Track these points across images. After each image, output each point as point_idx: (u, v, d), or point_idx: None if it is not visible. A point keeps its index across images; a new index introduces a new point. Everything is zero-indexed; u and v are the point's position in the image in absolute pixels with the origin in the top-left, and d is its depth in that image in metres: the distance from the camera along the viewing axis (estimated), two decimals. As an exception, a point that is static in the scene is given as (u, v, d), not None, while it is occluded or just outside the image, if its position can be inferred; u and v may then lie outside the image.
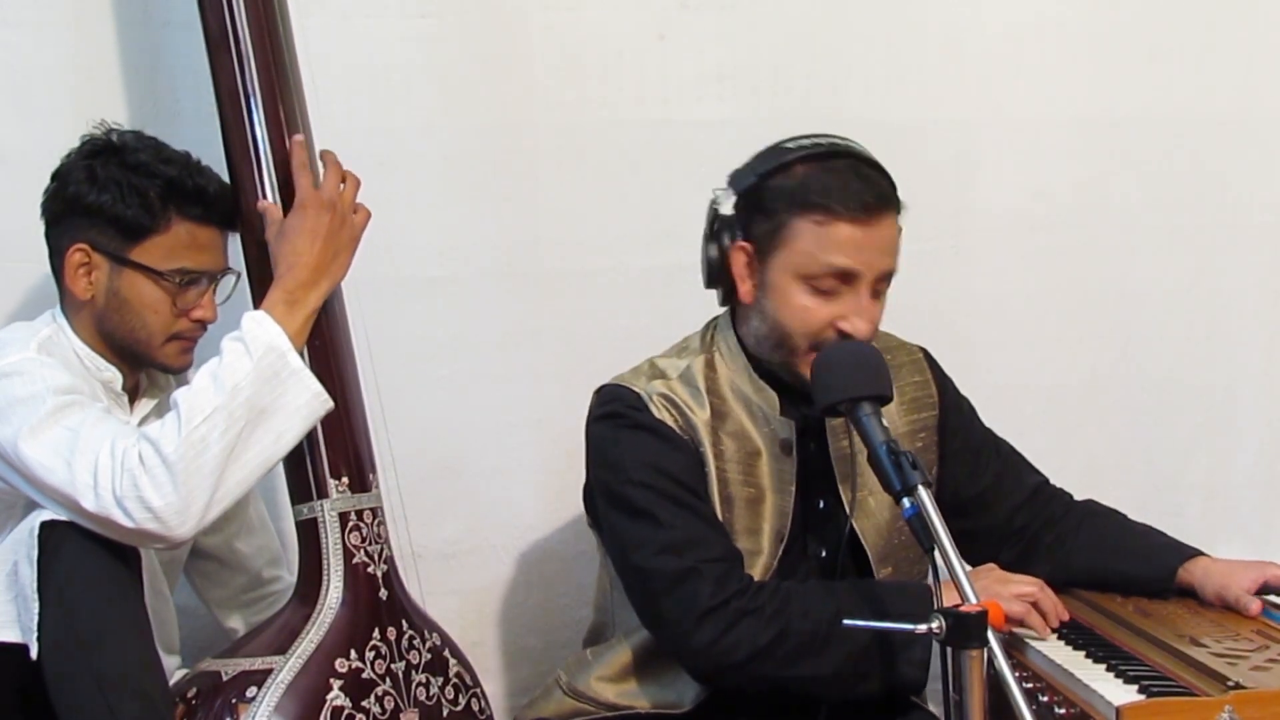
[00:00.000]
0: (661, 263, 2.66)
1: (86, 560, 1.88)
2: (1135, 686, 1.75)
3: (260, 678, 2.00)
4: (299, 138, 2.14)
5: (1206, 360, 2.91)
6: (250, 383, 1.95)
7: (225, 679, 2.00)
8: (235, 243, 2.19)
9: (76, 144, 2.11)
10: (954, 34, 2.78)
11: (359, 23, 2.57)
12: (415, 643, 2.16)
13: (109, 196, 2.05)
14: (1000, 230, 2.83)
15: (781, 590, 1.98)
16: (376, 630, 2.11)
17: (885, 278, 2.03)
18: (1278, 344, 2.94)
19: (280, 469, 2.11)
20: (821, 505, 2.13)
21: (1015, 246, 2.83)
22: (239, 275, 2.18)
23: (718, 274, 2.09)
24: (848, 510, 2.10)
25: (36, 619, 1.84)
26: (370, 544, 2.15)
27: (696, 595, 1.95)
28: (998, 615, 1.71)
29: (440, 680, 2.17)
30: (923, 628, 1.68)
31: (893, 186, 2.03)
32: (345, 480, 2.14)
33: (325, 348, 2.13)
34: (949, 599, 1.75)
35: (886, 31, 2.75)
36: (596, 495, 2.10)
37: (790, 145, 2.05)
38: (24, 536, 1.89)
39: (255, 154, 2.15)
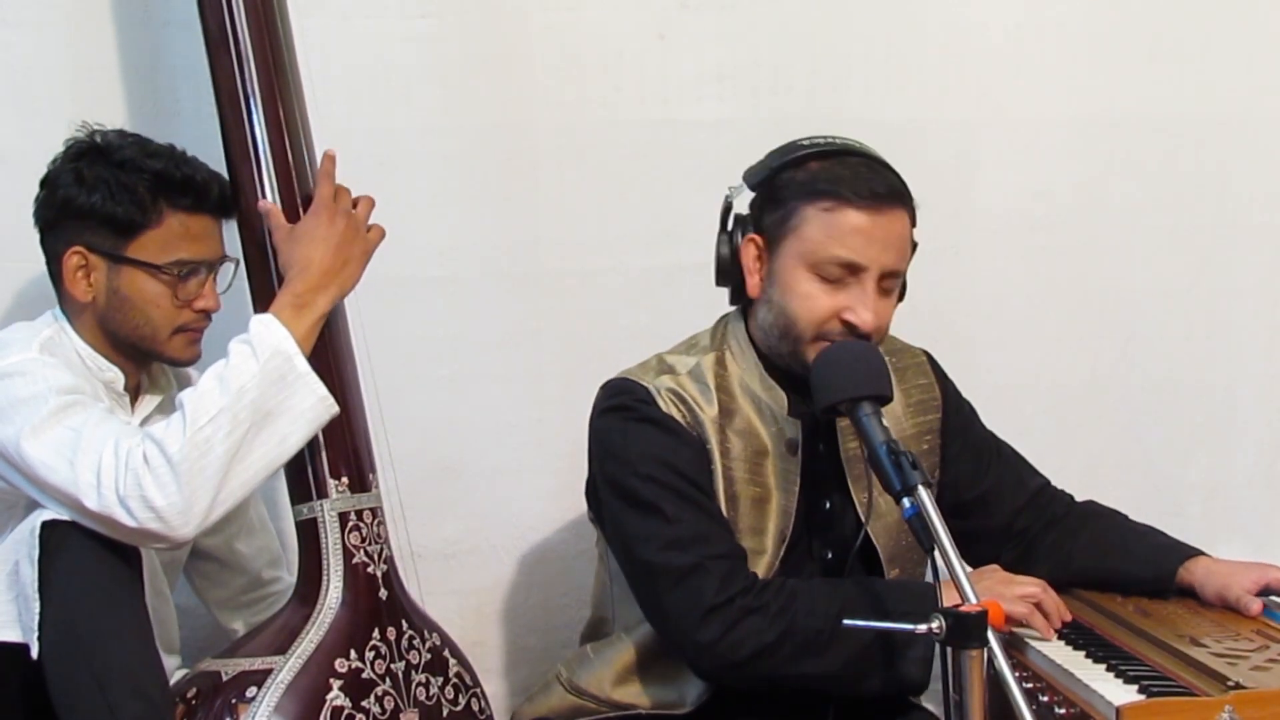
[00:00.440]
0: (661, 263, 2.66)
1: (88, 560, 1.88)
2: (1135, 686, 1.75)
3: (260, 678, 1.99)
4: (331, 151, 2.14)
5: (1206, 360, 2.91)
6: (256, 385, 1.96)
7: (225, 679, 2.00)
8: (232, 231, 2.18)
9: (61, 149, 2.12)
10: (954, 34, 2.78)
11: (359, 23, 2.57)
12: (415, 643, 2.16)
13: (99, 196, 2.05)
14: (1000, 230, 2.83)
15: (786, 588, 1.98)
16: (376, 630, 2.11)
17: (893, 275, 2.02)
18: (1278, 344, 2.94)
19: (280, 470, 2.11)
20: (829, 506, 2.13)
21: (1015, 246, 2.84)
22: (238, 263, 2.18)
23: (729, 269, 2.10)
24: (861, 512, 2.10)
25: (37, 619, 1.84)
26: (370, 544, 2.15)
27: (702, 592, 1.95)
28: (997, 615, 1.71)
29: (440, 680, 2.17)
30: (923, 628, 1.68)
31: (905, 186, 2.04)
32: (345, 480, 2.14)
33: (325, 347, 2.12)
34: (949, 599, 1.75)
35: (886, 31, 2.75)
36: (600, 488, 2.09)
37: (804, 142, 2.07)
38: (25, 536, 1.89)
39: (255, 154, 2.15)
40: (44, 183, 2.11)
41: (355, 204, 2.15)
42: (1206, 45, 2.85)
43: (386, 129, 2.58)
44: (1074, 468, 2.57)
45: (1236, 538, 2.86)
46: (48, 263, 2.12)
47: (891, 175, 2.04)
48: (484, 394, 2.67)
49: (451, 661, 2.21)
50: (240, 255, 2.18)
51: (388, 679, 2.09)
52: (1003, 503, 2.26)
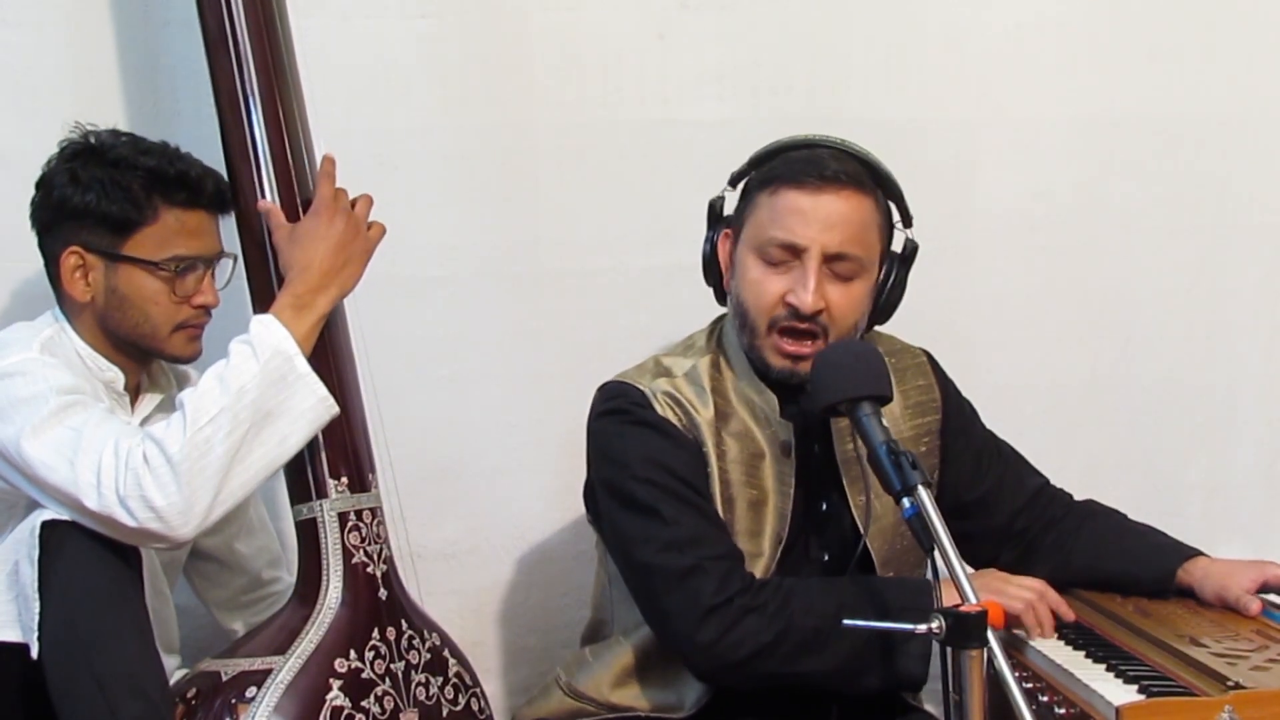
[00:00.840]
0: (661, 263, 2.66)
1: (87, 560, 1.88)
2: (1135, 686, 1.75)
3: (260, 678, 1.99)
4: (330, 155, 2.15)
5: (1206, 360, 2.92)
6: (256, 385, 1.96)
7: (225, 679, 2.00)
8: (232, 231, 2.18)
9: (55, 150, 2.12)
10: (954, 34, 2.78)
11: (358, 23, 2.57)
12: (415, 643, 2.16)
13: (94, 196, 2.05)
14: (1000, 230, 2.83)
15: (784, 587, 1.98)
16: (376, 630, 2.11)
17: (840, 258, 2.01)
18: (1278, 344, 2.94)
19: (280, 470, 2.11)
20: (825, 508, 2.13)
21: (1015, 246, 2.84)
22: (236, 258, 2.18)
23: (709, 267, 2.14)
24: (857, 515, 2.10)
25: (37, 618, 1.84)
26: (369, 544, 2.15)
27: (700, 593, 1.95)
28: (997, 615, 1.71)
29: (440, 680, 2.17)
30: (922, 628, 1.67)
31: (871, 172, 2.05)
32: (344, 480, 2.14)
33: (325, 348, 2.13)
34: (949, 598, 1.75)
35: (886, 31, 2.75)
36: (598, 491, 2.09)
37: (783, 140, 2.09)
38: (25, 536, 1.89)
39: (255, 154, 2.15)
40: (39, 184, 2.11)
41: (354, 204, 2.15)
42: (1206, 45, 2.84)
43: (386, 129, 2.58)
44: (1074, 468, 2.57)
45: (1236, 538, 2.86)
46: (45, 264, 2.12)
47: (853, 162, 2.03)
48: (484, 394, 2.67)
49: (451, 661, 2.21)
50: (239, 252, 2.18)
51: (387, 679, 2.09)
52: (1002, 503, 2.25)
